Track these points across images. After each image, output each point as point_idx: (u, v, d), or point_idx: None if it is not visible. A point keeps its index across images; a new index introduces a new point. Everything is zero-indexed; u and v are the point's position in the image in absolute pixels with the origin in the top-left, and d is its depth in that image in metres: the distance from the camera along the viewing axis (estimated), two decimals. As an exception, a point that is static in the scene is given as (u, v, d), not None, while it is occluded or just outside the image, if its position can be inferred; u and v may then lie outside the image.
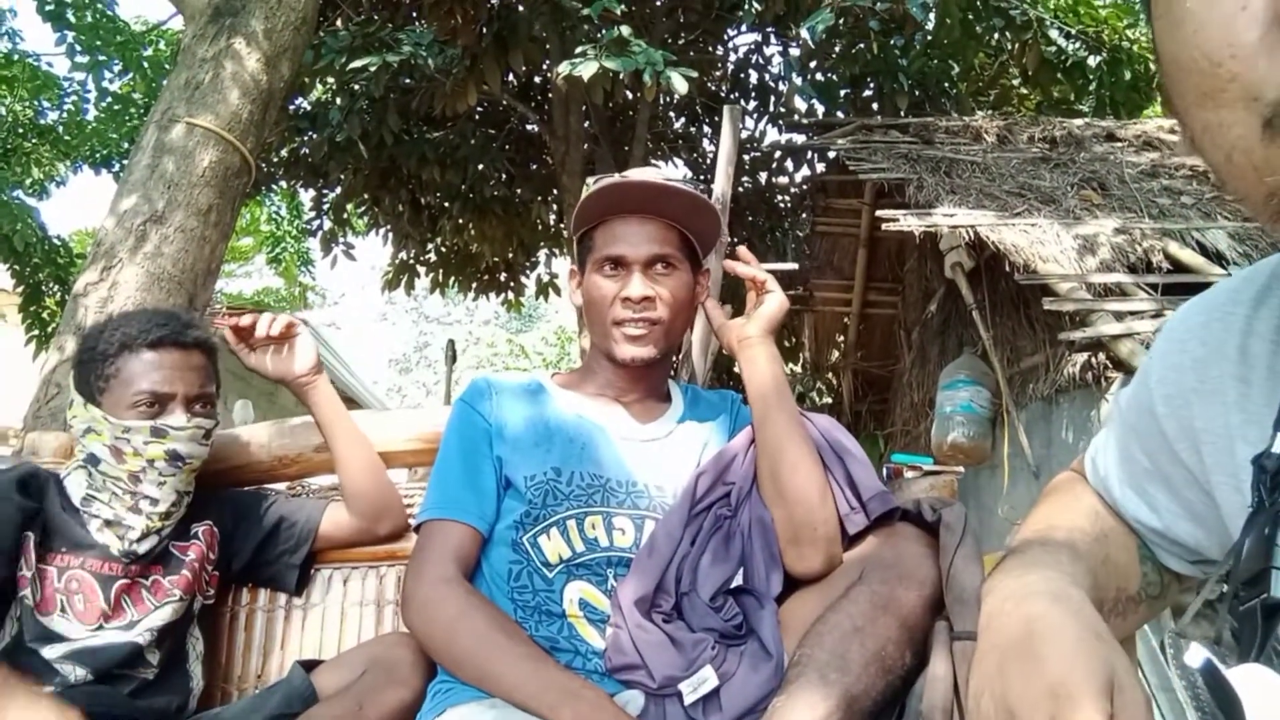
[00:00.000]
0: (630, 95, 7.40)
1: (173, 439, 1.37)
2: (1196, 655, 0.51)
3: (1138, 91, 7.32)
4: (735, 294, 1.37)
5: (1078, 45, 7.10)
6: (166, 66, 7.31)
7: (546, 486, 1.28)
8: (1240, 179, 0.51)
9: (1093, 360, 3.95)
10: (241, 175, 2.85)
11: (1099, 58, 7.13)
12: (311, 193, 8.15)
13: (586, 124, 7.22)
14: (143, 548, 1.39)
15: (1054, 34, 6.85)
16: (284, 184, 8.39)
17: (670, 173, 1.43)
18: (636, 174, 1.40)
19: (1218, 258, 4.06)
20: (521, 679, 1.10)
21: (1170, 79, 0.53)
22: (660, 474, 1.33)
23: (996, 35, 7.20)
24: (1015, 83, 8.17)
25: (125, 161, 2.91)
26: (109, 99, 7.98)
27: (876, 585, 1.10)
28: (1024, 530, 0.84)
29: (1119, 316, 3.71)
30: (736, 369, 1.60)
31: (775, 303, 1.32)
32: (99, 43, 7.18)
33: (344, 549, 1.60)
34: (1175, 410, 0.74)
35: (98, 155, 8.12)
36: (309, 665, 1.37)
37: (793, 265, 6.51)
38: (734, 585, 1.21)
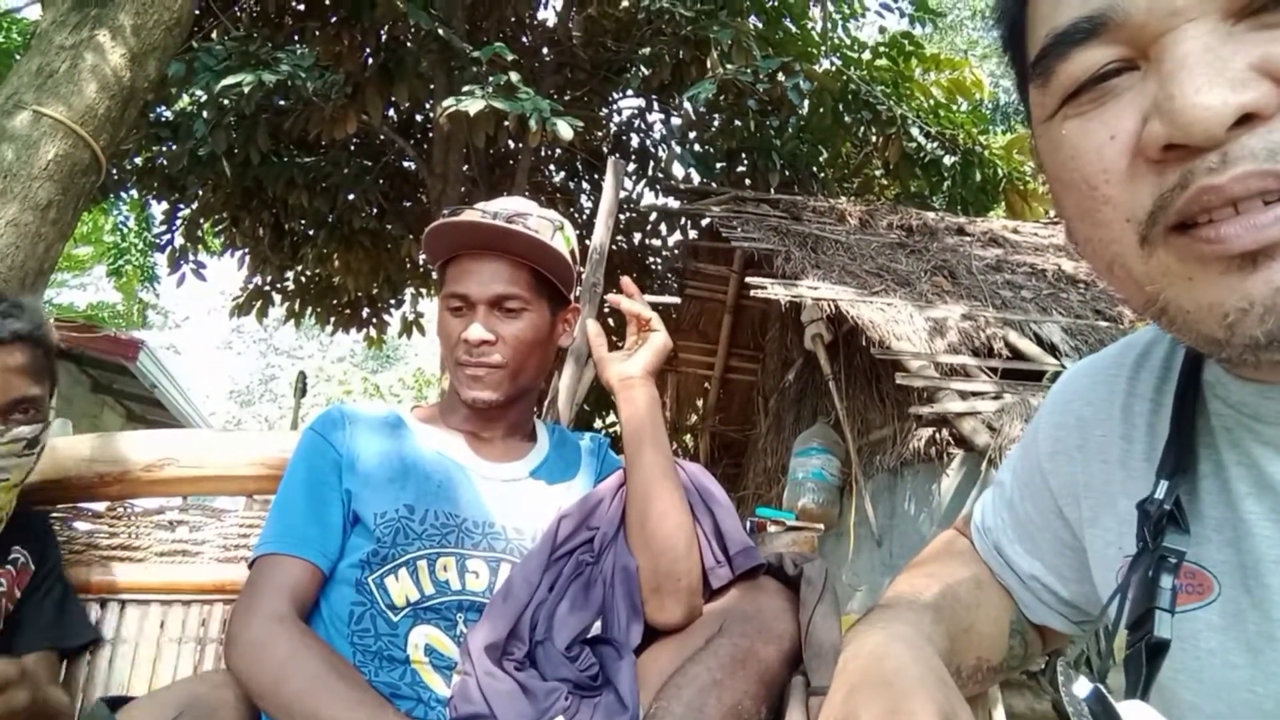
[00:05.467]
0: (512, 144, 7.41)
1: None
2: (1084, 686, 0.53)
3: (985, 193, 7.95)
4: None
5: (936, 145, 7.64)
6: (18, 56, 6.78)
7: (398, 524, 1.20)
8: (1121, 286, 0.55)
9: (937, 436, 4.15)
10: (90, 173, 2.64)
11: (954, 158, 7.70)
12: (165, 205, 7.70)
13: (466, 166, 7.16)
14: None
15: (915, 132, 7.36)
16: (134, 194, 7.89)
17: (530, 207, 1.39)
18: (497, 205, 1.36)
19: (1052, 349, 4.39)
20: None
21: (1054, 194, 0.57)
22: (519, 516, 1.28)
23: (863, 128, 7.69)
24: (878, 173, 8.71)
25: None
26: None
27: (736, 639, 1.08)
28: (896, 585, 0.85)
29: (963, 396, 3.93)
30: (597, 426, 1.56)
31: (659, 341, 1.28)
32: (-65, 20, 6.61)
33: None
34: (1060, 467, 0.77)
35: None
36: (115, 702, 1.22)
37: (675, 299, 6.58)
38: (592, 634, 1.17)
